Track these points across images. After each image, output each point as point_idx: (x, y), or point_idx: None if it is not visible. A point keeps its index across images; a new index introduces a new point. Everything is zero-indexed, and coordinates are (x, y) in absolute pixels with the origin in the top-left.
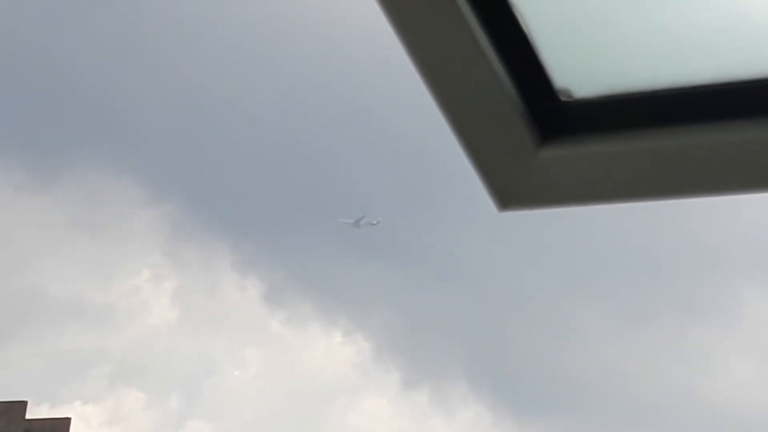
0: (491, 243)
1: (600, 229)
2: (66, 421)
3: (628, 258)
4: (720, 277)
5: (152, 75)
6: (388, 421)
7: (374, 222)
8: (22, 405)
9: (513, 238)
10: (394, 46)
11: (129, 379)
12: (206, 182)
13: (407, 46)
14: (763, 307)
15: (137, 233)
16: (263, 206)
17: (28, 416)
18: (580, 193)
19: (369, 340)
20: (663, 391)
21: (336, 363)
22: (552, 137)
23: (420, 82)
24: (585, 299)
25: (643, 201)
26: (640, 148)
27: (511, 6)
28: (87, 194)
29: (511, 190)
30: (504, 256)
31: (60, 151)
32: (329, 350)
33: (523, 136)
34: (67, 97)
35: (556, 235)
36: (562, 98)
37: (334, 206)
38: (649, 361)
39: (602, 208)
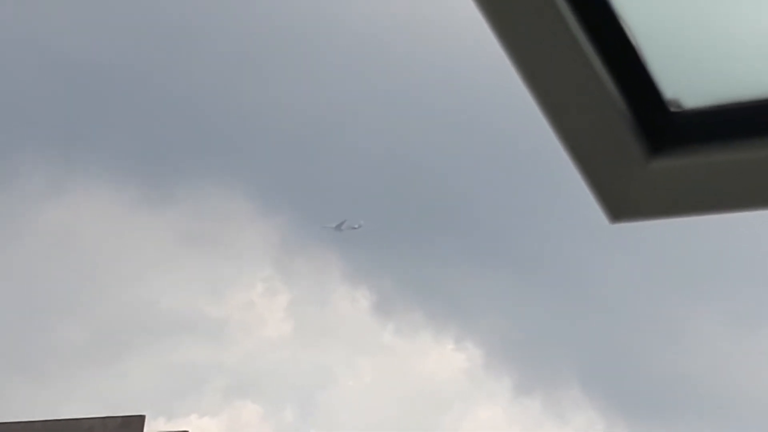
0: (602, 250)
1: (711, 234)
2: None
3: (740, 262)
4: None
5: (262, 89)
6: (501, 428)
7: (356, 226)
8: (141, 419)
9: (623, 244)
10: (503, 60)
11: (244, 391)
12: (316, 194)
13: (514, 59)
14: None
15: (250, 246)
16: (372, 216)
17: (146, 430)
18: (691, 203)
19: (480, 347)
20: None
21: (447, 371)
22: (662, 148)
23: (529, 96)
24: (697, 303)
25: (756, 210)
26: (751, 157)
27: (618, 18)
28: (200, 209)
29: (622, 202)
30: (614, 263)
31: (175, 167)
32: (440, 358)
33: (633, 147)
34: (181, 114)
35: (667, 239)
36: (672, 109)
37: (443, 215)
38: (761, 363)
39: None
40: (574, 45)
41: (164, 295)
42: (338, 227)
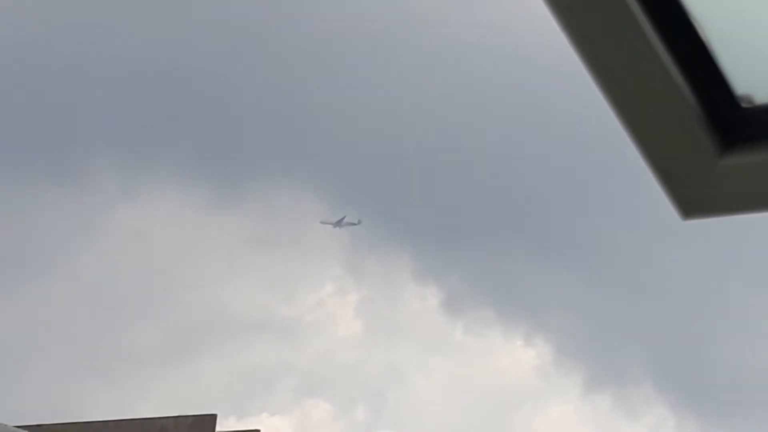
0: (673, 246)
1: None
2: None
3: None
4: None
5: (332, 88)
6: (571, 425)
7: (355, 222)
8: (212, 418)
9: (696, 241)
10: (573, 57)
11: (315, 390)
12: (385, 193)
13: (584, 56)
14: None
15: (320, 246)
16: (441, 214)
17: (217, 429)
18: (763, 199)
19: (549, 343)
20: None
21: (518, 368)
22: (733, 144)
23: (599, 94)
24: None
25: None
26: None
27: (689, 15)
28: (271, 209)
29: (693, 198)
30: (686, 259)
31: (245, 168)
32: (510, 356)
33: (705, 144)
34: (252, 116)
35: (739, 235)
36: (743, 105)
37: (513, 212)
38: None
39: None
40: (645, 42)
41: (235, 296)
42: (338, 223)
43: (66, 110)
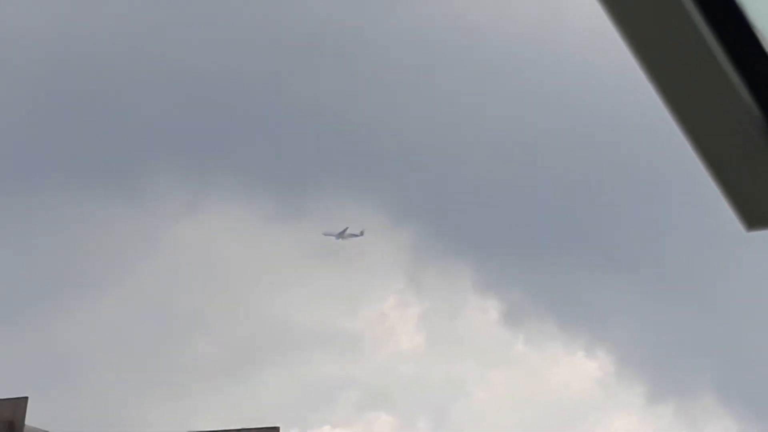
0: (735, 257)
1: None
2: None
3: None
4: None
5: (394, 102)
6: None
7: (358, 233)
8: (275, 431)
9: (760, 253)
10: (633, 67)
11: (377, 403)
12: (446, 206)
13: (647, 66)
14: None
15: (381, 259)
16: (502, 226)
17: None
18: None
19: (611, 354)
20: None
21: (579, 380)
22: None
23: (661, 107)
24: None
25: None
26: None
27: (752, 27)
28: (333, 222)
29: (757, 210)
30: (750, 271)
31: (307, 181)
32: (572, 367)
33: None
34: (312, 129)
35: None
36: None
37: (575, 226)
38: None
39: None
40: (708, 53)
41: (298, 309)
42: (340, 235)
43: (130, 128)
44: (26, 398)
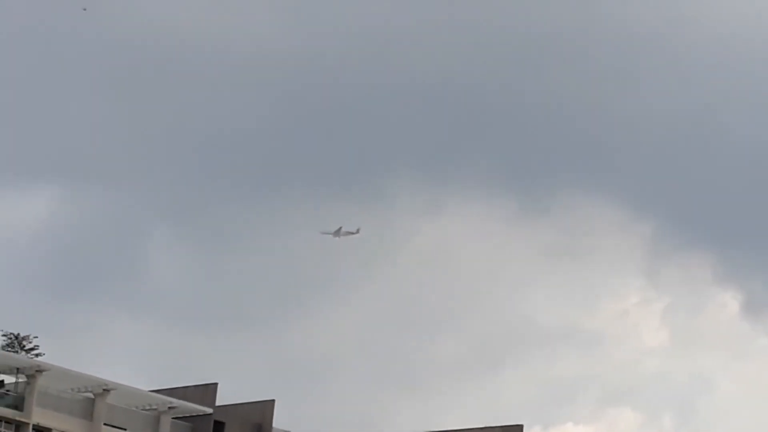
0: None
1: None
2: None
3: None
4: None
5: (631, 96)
6: None
7: (354, 231)
8: (519, 429)
9: None
10: None
11: (620, 399)
12: (684, 199)
13: None
14: None
15: (621, 255)
16: (744, 217)
17: None
18: None
19: None
20: None
21: None
22: None
23: None
24: None
25: None
26: None
27: None
28: (572, 220)
29: None
30: None
31: (549, 179)
32: None
33: None
34: (554, 126)
35: None
36: None
37: None
38: None
39: None
40: None
41: (539, 307)
42: (336, 233)
43: (367, 129)
44: (273, 401)
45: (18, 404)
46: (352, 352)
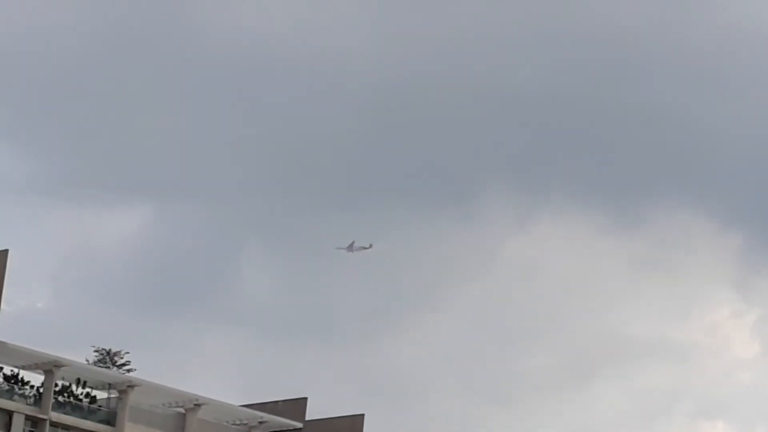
0: None
1: None
2: None
3: None
4: None
5: (719, 107)
6: None
7: (367, 246)
8: None
9: None
10: None
11: (712, 413)
12: None
13: None
14: None
15: (711, 267)
16: None
17: None
18: None
19: None
20: None
21: None
22: None
23: None
24: None
25: None
26: None
27: None
28: (663, 232)
29: None
30: None
31: (640, 192)
32: None
33: None
34: (644, 138)
35: None
36: None
37: None
38: None
39: None
40: None
41: (629, 320)
42: (350, 248)
43: (457, 142)
44: (363, 415)
45: (110, 420)
46: (441, 366)
